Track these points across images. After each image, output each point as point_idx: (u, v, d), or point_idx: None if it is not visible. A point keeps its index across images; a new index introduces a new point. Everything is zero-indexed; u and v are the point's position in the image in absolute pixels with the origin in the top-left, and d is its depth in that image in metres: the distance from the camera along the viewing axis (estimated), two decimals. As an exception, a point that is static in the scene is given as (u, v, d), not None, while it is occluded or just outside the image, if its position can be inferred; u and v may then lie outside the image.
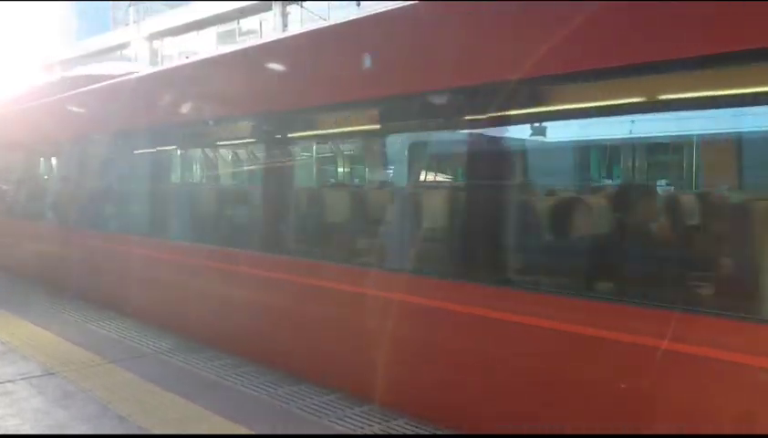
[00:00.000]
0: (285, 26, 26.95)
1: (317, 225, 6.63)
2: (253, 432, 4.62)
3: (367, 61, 5.40)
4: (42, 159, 12.36)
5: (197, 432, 4.62)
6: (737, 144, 4.55)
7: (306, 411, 5.04)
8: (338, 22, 6.44)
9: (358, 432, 4.64)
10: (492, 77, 4.63)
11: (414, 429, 4.63)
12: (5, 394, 5.41)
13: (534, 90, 4.52)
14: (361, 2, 18.31)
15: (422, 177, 6.07)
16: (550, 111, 4.74)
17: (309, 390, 5.47)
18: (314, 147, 7.95)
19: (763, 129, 3.94)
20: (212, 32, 32.05)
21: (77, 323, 7.97)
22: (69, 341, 7.05)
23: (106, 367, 6.17)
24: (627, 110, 4.25)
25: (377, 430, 4.66)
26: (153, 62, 31.42)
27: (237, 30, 30.84)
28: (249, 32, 29.88)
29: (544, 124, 4.72)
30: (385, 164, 6.87)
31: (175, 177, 9.17)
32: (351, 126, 6.46)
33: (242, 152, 8.34)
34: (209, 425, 4.74)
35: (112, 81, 9.59)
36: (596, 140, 5.20)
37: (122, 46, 35.34)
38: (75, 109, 10.35)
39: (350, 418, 4.89)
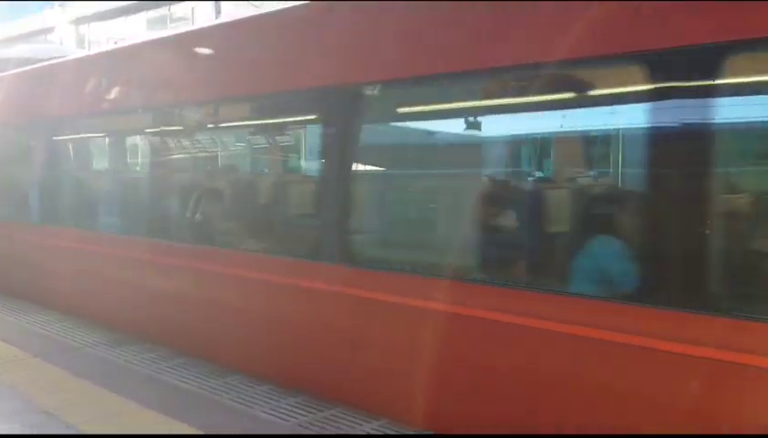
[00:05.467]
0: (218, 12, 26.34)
1: None
2: (196, 433, 4.59)
3: None
4: None
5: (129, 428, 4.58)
6: None
7: (237, 403, 5.05)
8: None
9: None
10: None
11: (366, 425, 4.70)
12: (-77, 391, 5.21)
13: None
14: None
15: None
16: None
17: (240, 381, 5.49)
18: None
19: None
20: (141, 18, 31.20)
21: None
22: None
23: (30, 361, 6.00)
24: None
25: (311, 420, 4.70)
26: (81, 47, 30.35)
27: (168, 16, 30.11)
28: (180, 19, 29.19)
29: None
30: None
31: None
32: None
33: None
34: (140, 419, 4.70)
35: None
36: None
37: (47, 31, 34.00)
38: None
39: (283, 409, 4.92)
